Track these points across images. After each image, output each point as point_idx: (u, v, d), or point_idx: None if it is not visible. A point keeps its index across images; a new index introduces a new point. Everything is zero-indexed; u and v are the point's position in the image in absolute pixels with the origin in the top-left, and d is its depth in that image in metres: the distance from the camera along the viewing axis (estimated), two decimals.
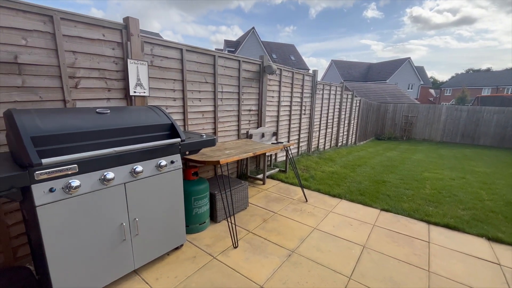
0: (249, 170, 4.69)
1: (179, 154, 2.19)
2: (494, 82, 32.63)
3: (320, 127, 7.17)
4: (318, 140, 7.26)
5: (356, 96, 9.32)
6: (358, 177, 5.01)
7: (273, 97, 4.99)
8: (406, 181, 4.89)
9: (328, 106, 7.41)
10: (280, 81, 5.09)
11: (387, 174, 5.41)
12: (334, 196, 3.96)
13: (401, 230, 2.97)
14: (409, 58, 32.59)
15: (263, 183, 4.37)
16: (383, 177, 5.07)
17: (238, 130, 4.27)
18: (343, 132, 8.89)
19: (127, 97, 2.68)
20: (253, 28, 27.37)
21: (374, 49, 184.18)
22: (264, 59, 4.48)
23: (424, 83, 34.93)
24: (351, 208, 3.55)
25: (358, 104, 9.69)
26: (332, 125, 7.95)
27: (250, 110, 4.46)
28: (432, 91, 40.13)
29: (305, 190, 4.05)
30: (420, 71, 34.85)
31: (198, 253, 2.40)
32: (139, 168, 1.89)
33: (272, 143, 4.17)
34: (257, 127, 4.71)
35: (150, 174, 1.99)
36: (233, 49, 26.84)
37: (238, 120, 4.23)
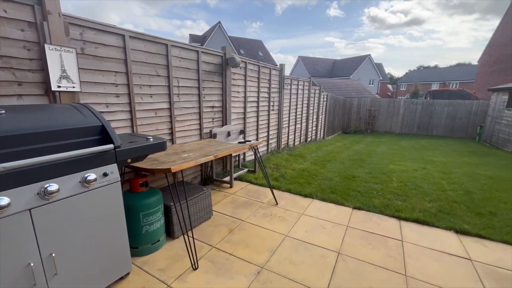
0: (215, 173, 4.30)
1: (115, 164, 1.74)
2: (441, 77, 36.07)
3: (289, 123, 7.00)
4: (288, 136, 7.10)
5: (323, 91, 9.36)
6: (328, 173, 4.90)
7: (238, 92, 4.63)
8: (375, 174, 4.91)
9: (297, 102, 7.27)
10: (245, 75, 4.74)
11: (356, 168, 5.40)
12: (305, 196, 3.75)
13: (374, 229, 2.85)
14: (369, 55, 34.43)
15: (231, 186, 4.02)
16: (352, 172, 5.04)
17: (200, 129, 3.84)
18: (312, 127, 8.87)
19: (49, 93, 2.12)
20: (219, 22, 26.55)
21: (338, 47, 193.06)
22: (226, 50, 4.08)
23: (383, 79, 37.30)
24: (323, 208, 3.37)
25: (325, 99, 9.76)
26: (301, 120, 7.85)
27: (213, 107, 4.05)
28: (390, 86, 43.13)
29: (275, 191, 3.79)
30: (379, 67, 37.05)
31: (149, 282, 1.98)
32: (53, 187, 1.41)
33: (239, 142, 3.83)
34: (222, 125, 4.32)
35: (71, 193, 1.52)
36: (199, 44, 25.75)
37: (200, 118, 3.80)
